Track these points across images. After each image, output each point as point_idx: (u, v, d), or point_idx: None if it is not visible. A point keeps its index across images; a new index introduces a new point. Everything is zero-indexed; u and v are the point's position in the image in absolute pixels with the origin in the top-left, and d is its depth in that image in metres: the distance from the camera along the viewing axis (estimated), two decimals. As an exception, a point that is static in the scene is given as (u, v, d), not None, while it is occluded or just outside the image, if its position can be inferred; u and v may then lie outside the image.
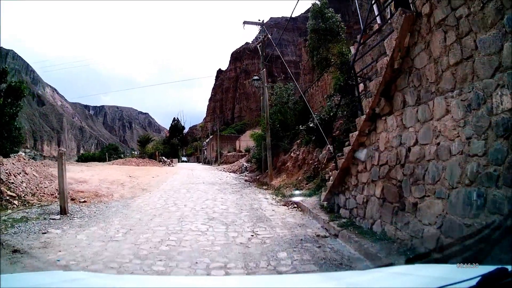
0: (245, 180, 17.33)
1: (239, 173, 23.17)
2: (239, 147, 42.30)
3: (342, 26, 19.76)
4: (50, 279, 2.04)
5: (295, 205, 9.26)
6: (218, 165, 40.56)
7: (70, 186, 11.68)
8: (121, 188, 13.99)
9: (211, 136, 57.35)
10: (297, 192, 10.53)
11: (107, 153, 44.81)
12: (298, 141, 15.33)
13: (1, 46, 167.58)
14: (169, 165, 37.15)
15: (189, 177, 19.91)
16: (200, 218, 7.57)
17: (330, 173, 8.55)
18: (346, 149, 6.75)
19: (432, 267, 2.44)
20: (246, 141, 39.82)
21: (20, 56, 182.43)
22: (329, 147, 10.98)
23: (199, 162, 68.18)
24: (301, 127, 12.68)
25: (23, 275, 2.97)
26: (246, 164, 23.38)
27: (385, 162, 5.39)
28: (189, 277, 3.87)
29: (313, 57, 19.57)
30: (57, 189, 11.17)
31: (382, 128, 5.60)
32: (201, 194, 12.10)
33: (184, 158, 72.50)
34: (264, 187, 14.14)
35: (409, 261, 3.58)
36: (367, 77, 7.70)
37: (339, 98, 10.08)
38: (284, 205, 9.51)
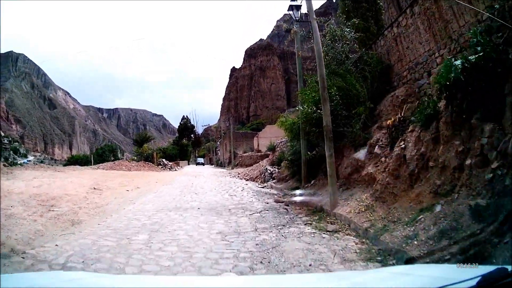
0: (277, 201, 9.51)
1: (261, 182, 15.44)
2: (258, 145, 34.16)
3: None
4: (50, 279, 2.05)
5: None
6: (232, 168, 32.88)
7: None
8: (30, 221, 7.03)
9: (223, 133, 49.48)
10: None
11: (92, 155, 37.46)
12: (389, 123, 7.51)
13: (12, 50, 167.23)
14: (170, 169, 29.83)
15: (182, 192, 12.37)
16: None
17: None
18: None
19: (432, 267, 2.77)
20: (266, 138, 31.98)
21: (30, 60, 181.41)
22: None
23: (212, 164, 61.12)
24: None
25: (23, 275, 2.88)
26: (271, 169, 15.59)
27: None
28: (189, 277, 3.69)
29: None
30: None
31: None
32: (171, 267, 4.48)
33: (200, 160, 63.94)
34: (329, 226, 6.28)
35: (409, 261, 3.76)
36: None
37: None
38: None
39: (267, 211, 7.94)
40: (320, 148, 9.27)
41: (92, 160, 34.25)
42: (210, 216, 7.46)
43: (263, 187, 13.59)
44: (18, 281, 1.85)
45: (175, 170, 30.64)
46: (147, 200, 10.42)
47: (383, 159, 7.35)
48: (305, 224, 6.48)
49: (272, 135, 29.15)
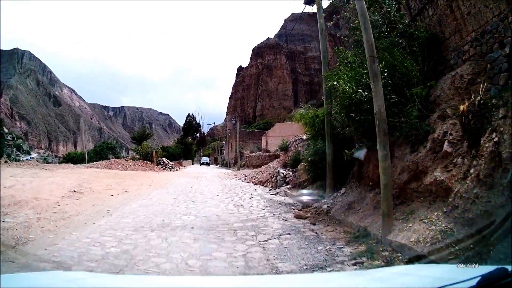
0: (298, 217, 7.12)
1: (272, 187, 13.11)
2: (266, 145, 31.62)
3: None
4: (50, 279, 2.03)
5: None
6: (238, 169, 30.50)
7: None
8: None
9: (229, 132, 47.00)
10: None
11: (87, 153, 35.22)
12: (462, 108, 5.17)
13: (17, 47, 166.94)
14: (171, 169, 27.67)
15: (177, 199, 10.13)
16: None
17: None
18: None
19: (432, 267, 2.77)
20: (275, 137, 29.56)
21: (36, 57, 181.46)
22: None
23: (217, 164, 58.69)
24: None
25: (23, 275, 2.82)
26: (284, 172, 13.19)
27: None
28: (189, 277, 3.52)
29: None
30: None
31: None
32: None
33: (205, 160, 57.15)
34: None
35: (409, 261, 3.75)
36: None
37: None
38: None
39: (288, 235, 5.58)
40: (360, 145, 6.86)
41: (87, 158, 32.07)
42: (207, 242, 5.13)
43: (275, 194, 11.24)
44: (18, 281, 1.85)
45: (176, 170, 28.43)
46: (130, 210, 8.16)
47: (458, 160, 4.98)
48: (354, 264, 4.10)
49: (282, 134, 26.81)
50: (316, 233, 5.78)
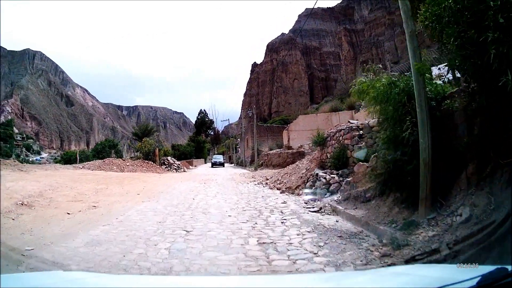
0: None
1: (306, 195, 9.10)
2: (288, 141, 27.27)
3: None
4: (50, 279, 2.02)
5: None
6: (255, 169, 26.47)
7: None
8: None
9: (244, 129, 42.97)
10: None
11: (78, 153, 31.83)
12: None
13: (28, 47, 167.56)
14: (176, 170, 23.99)
15: (163, 224, 6.24)
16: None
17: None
18: None
19: (432, 267, 2.63)
20: (299, 131, 25.54)
21: (48, 57, 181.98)
22: None
23: (231, 163, 54.95)
24: None
25: (23, 275, 2.86)
26: (327, 176, 9.10)
27: None
28: (189, 277, 3.41)
29: None
30: None
31: None
32: None
33: (219, 159, 43.60)
34: None
35: (409, 261, 3.52)
36: None
37: None
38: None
39: None
40: None
41: (78, 158, 28.70)
42: None
43: (318, 211, 7.22)
44: (18, 281, 1.85)
45: (184, 171, 24.66)
46: (65, 252, 4.38)
47: None
48: None
49: (306, 128, 22.87)
50: None
